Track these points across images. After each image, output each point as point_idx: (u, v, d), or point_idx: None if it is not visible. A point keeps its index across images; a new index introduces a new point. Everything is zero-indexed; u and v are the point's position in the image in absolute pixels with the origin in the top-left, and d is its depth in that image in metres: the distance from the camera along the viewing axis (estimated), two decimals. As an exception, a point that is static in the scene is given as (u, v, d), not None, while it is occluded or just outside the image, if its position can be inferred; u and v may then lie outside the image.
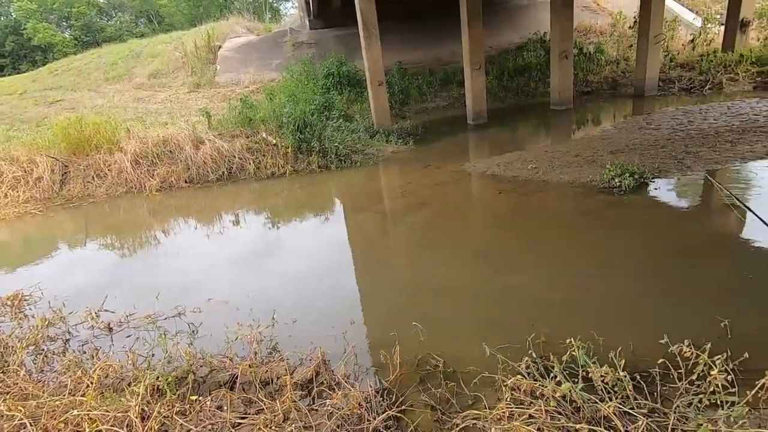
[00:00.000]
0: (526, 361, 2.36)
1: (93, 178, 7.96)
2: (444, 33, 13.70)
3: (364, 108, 10.63)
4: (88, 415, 2.20)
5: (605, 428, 1.86)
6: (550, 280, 3.52)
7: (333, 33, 15.51)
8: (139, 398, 2.29)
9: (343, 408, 2.18)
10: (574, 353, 2.30)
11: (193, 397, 2.34)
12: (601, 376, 2.13)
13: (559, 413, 1.98)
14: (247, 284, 4.12)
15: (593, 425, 1.88)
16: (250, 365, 2.61)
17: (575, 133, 8.44)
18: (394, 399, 2.36)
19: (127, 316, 3.61)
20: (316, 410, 2.24)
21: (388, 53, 11.52)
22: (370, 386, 2.38)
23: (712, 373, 2.07)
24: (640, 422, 1.87)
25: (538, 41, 13.12)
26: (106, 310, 3.75)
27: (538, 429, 1.85)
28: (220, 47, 16.13)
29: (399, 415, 2.22)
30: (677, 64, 10.74)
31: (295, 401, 2.25)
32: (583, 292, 3.33)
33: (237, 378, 2.54)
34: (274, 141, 8.11)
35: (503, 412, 2.02)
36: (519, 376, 2.23)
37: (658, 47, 10.13)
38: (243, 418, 2.24)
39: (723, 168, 5.33)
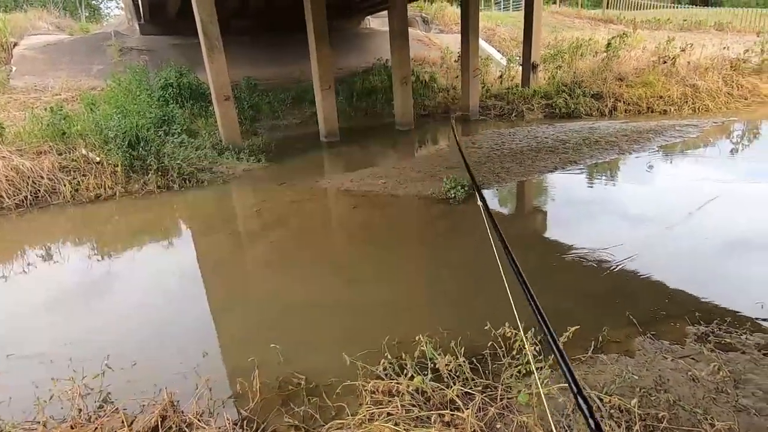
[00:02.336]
0: (383, 363, 2.52)
1: None
2: (296, 52, 13.80)
3: (211, 123, 9.96)
4: None
5: (451, 410, 2.10)
6: (401, 286, 3.83)
7: (170, 41, 14.18)
8: None
9: (196, 450, 1.99)
10: (423, 349, 2.54)
11: (-13, 482, 1.83)
12: (446, 365, 2.40)
13: (413, 405, 2.16)
14: (67, 331, 3.42)
15: (441, 410, 2.11)
16: (72, 426, 2.17)
17: (417, 151, 9.39)
18: (255, 427, 2.25)
19: None
20: (164, 459, 1.98)
21: (236, 68, 11.05)
22: (228, 419, 2.22)
23: (525, 347, 2.54)
24: (477, 398, 2.18)
25: (381, 67, 14.24)
26: None
27: (396, 424, 1.99)
28: (15, 44, 13.23)
29: (261, 442, 2.12)
30: (492, 95, 12.88)
31: (136, 455, 1.96)
32: (429, 292, 3.71)
33: (54, 445, 2.08)
34: (98, 158, 6.97)
35: (364, 415, 2.11)
36: (377, 379, 2.36)
37: (477, 80, 12.03)
38: (64, 492, 1.85)
39: (527, 180, 6.59)
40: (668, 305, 3.21)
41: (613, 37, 12.38)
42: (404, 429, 1.93)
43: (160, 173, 7.04)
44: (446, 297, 3.63)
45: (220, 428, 2.16)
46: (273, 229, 5.32)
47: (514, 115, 11.83)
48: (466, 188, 5.89)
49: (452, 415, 2.03)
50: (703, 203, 5.20)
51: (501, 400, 2.19)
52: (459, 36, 12.15)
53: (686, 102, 10.92)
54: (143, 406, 2.42)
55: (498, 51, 18.10)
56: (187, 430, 2.19)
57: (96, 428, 2.15)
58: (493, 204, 5.89)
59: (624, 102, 11.22)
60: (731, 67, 11.73)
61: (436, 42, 17.95)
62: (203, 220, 6.00)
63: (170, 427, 2.21)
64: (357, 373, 2.48)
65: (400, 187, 6.41)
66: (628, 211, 5.17)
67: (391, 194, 6.19)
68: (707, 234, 4.36)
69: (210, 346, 3.05)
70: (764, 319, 2.98)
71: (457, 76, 13.17)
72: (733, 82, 11.39)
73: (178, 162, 7.18)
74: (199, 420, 2.23)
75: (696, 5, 27.14)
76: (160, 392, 2.49)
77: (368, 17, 17.99)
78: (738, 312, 3.08)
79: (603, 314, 3.16)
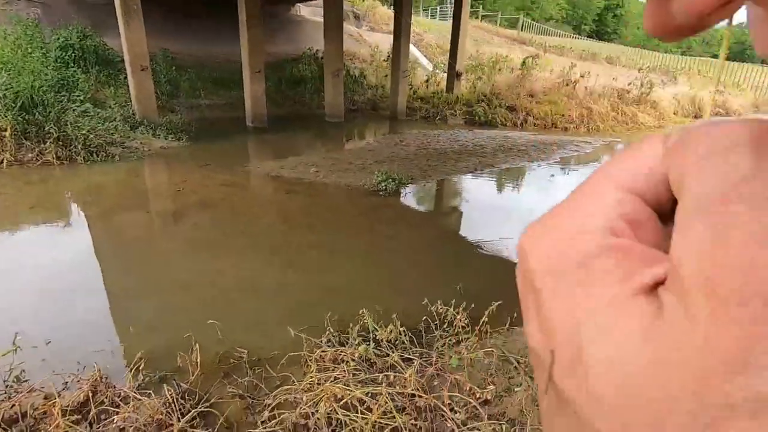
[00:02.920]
0: (327, 335, 2.63)
1: None
2: (221, 31, 13.05)
3: (121, 94, 9.07)
4: None
5: (394, 373, 2.30)
6: (337, 269, 3.95)
7: (70, -4, 12.50)
8: None
9: (138, 420, 1.92)
10: (365, 321, 2.71)
11: None
12: (387, 334, 2.59)
13: (358, 370, 2.32)
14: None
15: (386, 372, 2.29)
16: (-19, 405, 1.96)
17: (347, 144, 9.51)
18: (197, 398, 2.23)
19: None
20: (104, 430, 1.89)
21: (152, 38, 10.15)
22: (168, 390, 2.17)
23: (456, 320, 2.83)
24: (415, 363, 2.40)
25: (311, 57, 14.07)
26: None
27: (345, 384, 2.13)
28: None
29: (207, 410, 2.12)
30: (418, 97, 13.47)
31: (70, 426, 1.83)
32: (363, 275, 3.89)
33: (-42, 426, 1.86)
34: (-19, 120, 6.00)
35: (312, 380, 2.21)
36: (323, 348, 2.47)
37: (405, 81, 12.49)
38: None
39: (449, 178, 7.09)
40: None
41: (526, 57, 13.70)
42: (354, 387, 2.07)
43: (60, 143, 6.26)
44: (379, 279, 3.83)
45: (161, 398, 2.10)
46: (200, 211, 5.08)
47: (438, 118, 12.51)
48: (396, 182, 6.18)
49: (395, 376, 2.23)
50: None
51: (436, 363, 2.44)
52: (390, 36, 12.52)
53: (582, 122, 12.50)
54: (66, 383, 2.24)
55: (425, 56, 18.89)
56: (122, 404, 2.09)
57: (13, 406, 1.96)
58: (420, 198, 6.27)
59: (534, 116, 12.47)
60: (618, 96, 13.68)
61: (366, 39, 18.19)
62: (118, 197, 5.49)
63: (102, 402, 2.09)
64: (301, 345, 2.56)
65: (332, 177, 6.50)
66: (536, 210, 5.87)
67: (323, 183, 6.25)
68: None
69: (140, 324, 2.89)
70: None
71: (386, 75, 13.55)
72: (619, 108, 13.30)
73: (84, 132, 6.46)
74: (135, 393, 2.14)
75: (592, 38, 31.01)
76: (84, 369, 2.33)
77: (299, 4, 17.60)
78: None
79: (516, 295, 3.60)
